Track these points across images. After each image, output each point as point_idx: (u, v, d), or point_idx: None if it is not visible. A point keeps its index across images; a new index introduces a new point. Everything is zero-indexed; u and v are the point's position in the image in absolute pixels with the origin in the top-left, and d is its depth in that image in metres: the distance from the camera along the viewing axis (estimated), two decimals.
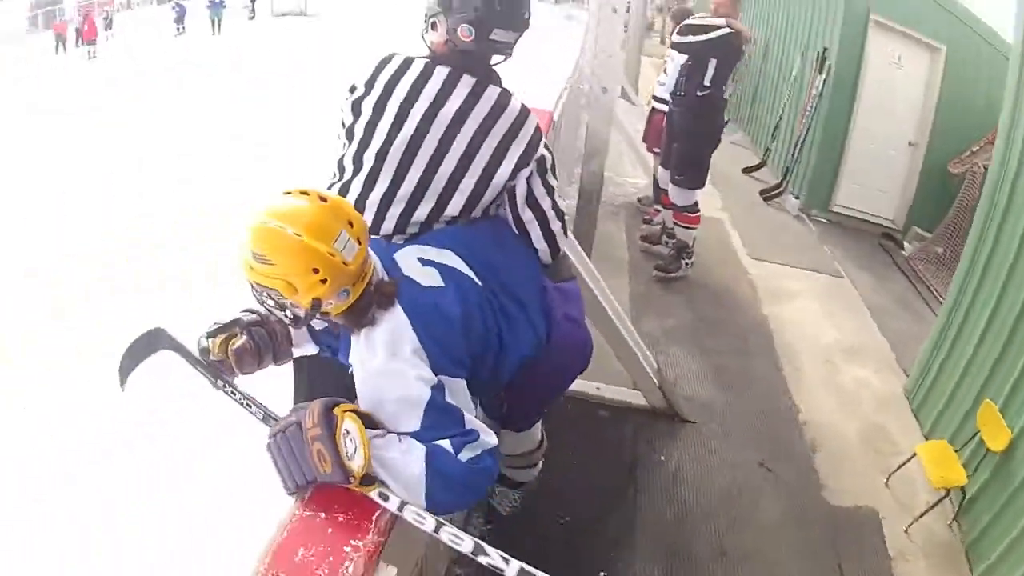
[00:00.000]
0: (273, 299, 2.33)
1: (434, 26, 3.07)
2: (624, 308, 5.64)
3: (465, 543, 2.18)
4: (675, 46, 7.81)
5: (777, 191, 11.41)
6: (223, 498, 6.28)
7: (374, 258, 2.48)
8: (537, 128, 3.14)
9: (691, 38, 7.31)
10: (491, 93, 3.05)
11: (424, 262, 2.63)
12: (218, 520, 5.95)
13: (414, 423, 2.31)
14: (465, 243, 2.81)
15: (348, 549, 2.06)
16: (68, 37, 38.24)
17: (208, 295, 13.56)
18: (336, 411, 2.22)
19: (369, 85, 3.08)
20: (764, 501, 4.83)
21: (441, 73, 3.02)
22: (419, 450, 2.25)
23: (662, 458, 4.94)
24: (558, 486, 4.33)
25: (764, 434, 5.35)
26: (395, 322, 2.41)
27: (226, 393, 2.65)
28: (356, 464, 2.13)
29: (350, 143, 3.09)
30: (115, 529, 6.15)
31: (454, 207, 3.01)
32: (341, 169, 3.06)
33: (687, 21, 7.64)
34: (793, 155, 11.31)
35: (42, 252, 13.36)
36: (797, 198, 11.03)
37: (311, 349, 2.99)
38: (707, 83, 7.26)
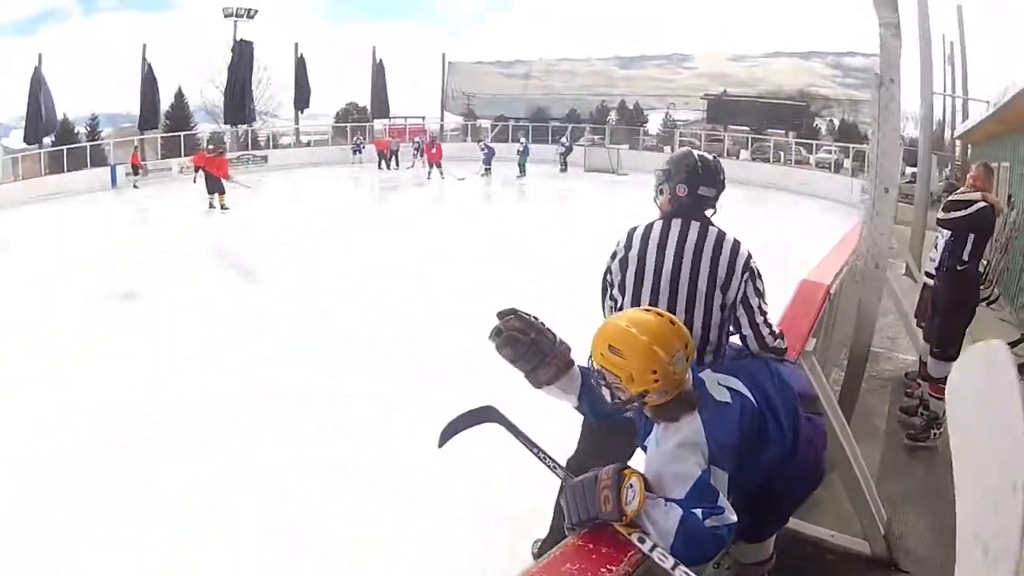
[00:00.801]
0: (608, 381, 2.95)
1: (661, 191, 4.23)
2: (874, 470, 5.96)
3: None
4: (940, 222, 7.87)
5: None
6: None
7: (691, 385, 3.01)
8: (746, 250, 4.13)
9: (953, 214, 7.43)
10: (713, 230, 4.09)
11: (719, 383, 3.17)
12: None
13: (680, 492, 2.76)
14: (748, 374, 3.35)
15: (603, 571, 2.47)
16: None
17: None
18: (625, 472, 2.70)
19: (628, 246, 4.16)
20: None
21: (677, 223, 4.09)
22: (677, 512, 2.67)
23: None
24: None
25: None
26: (693, 427, 2.91)
27: (543, 461, 3.15)
28: (631, 509, 2.61)
29: (623, 295, 4.14)
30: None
31: (716, 317, 4.04)
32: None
33: (950, 197, 7.75)
34: None
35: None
36: None
37: (571, 400, 3.54)
38: (965, 258, 7.38)
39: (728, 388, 3.18)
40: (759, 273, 4.15)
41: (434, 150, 39.14)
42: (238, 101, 53.81)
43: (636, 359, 2.87)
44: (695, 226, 4.08)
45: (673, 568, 2.60)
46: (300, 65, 56.81)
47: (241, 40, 54.37)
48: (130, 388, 9.04)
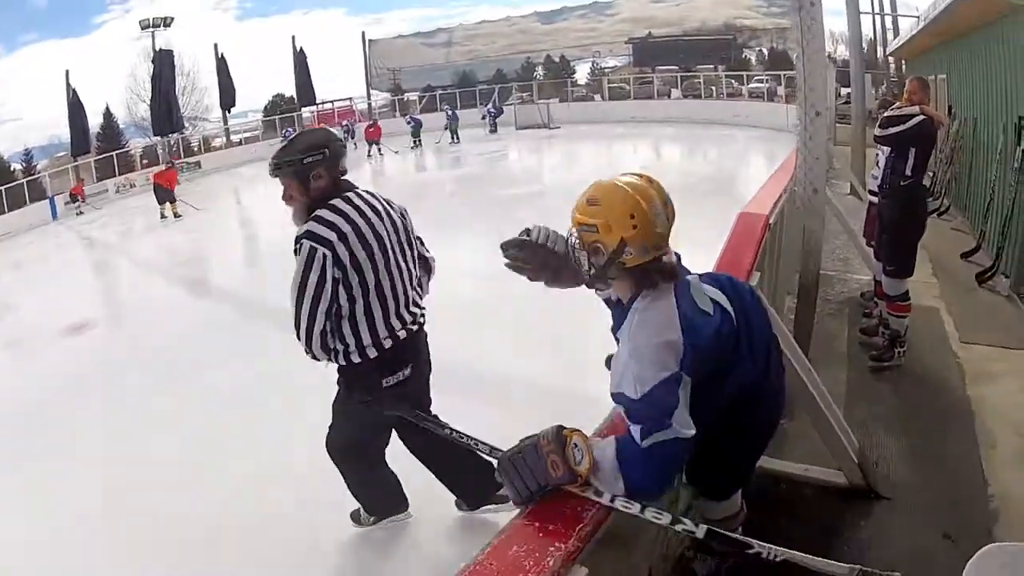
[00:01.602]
0: (585, 241, 2.85)
1: (319, 176, 4.33)
2: (840, 397, 6.08)
3: (664, 517, 2.66)
4: (877, 139, 7.70)
5: (990, 273, 11.01)
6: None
7: (672, 258, 2.96)
8: None
9: (891, 129, 7.26)
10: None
11: (705, 293, 3.03)
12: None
13: (634, 392, 2.70)
14: (734, 289, 3.23)
15: (551, 549, 2.38)
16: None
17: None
18: (565, 433, 2.71)
19: (336, 240, 4.33)
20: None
21: (360, 196, 4.54)
22: (611, 445, 2.70)
23: (862, 523, 4.96)
24: None
25: (951, 509, 5.17)
26: (669, 309, 2.83)
27: (454, 438, 3.61)
28: (583, 467, 2.63)
29: (364, 285, 4.47)
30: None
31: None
32: None
33: (886, 113, 7.58)
34: (1003, 234, 10.52)
35: None
36: (1007, 277, 10.14)
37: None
38: (908, 172, 7.19)
39: (712, 300, 3.06)
40: None
41: (372, 129, 39.88)
42: (164, 111, 53.72)
43: (615, 203, 2.81)
44: (369, 194, 4.51)
45: (642, 512, 2.62)
46: (221, 65, 56.84)
47: (160, 50, 54.39)
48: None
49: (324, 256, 4.22)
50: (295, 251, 4.19)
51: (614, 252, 2.81)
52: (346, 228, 4.29)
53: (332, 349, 4.41)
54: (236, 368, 9.87)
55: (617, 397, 2.82)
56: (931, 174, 12.62)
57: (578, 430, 2.74)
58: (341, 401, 4.78)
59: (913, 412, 6.64)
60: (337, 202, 4.37)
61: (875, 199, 8.42)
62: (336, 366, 4.53)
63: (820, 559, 2.69)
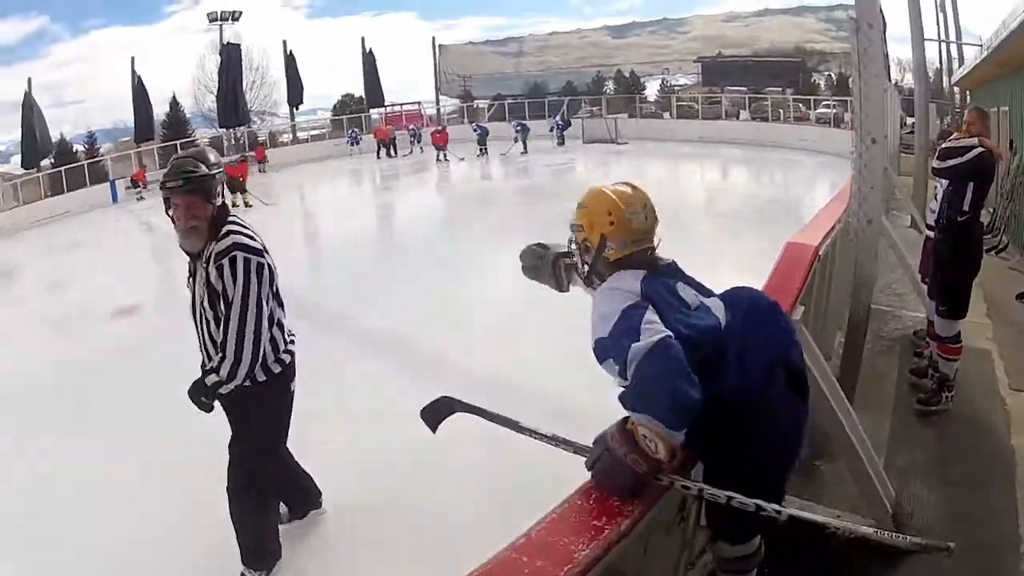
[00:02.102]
0: (576, 241, 3.37)
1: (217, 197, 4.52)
2: (883, 439, 5.91)
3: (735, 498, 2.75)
4: (935, 172, 7.42)
5: None
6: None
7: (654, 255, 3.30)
8: None
9: (949, 162, 6.93)
10: None
11: (693, 293, 3.22)
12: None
13: (605, 331, 2.91)
14: (741, 307, 3.25)
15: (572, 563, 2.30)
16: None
17: None
18: (628, 429, 2.73)
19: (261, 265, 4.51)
20: None
21: None
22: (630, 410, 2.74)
23: None
24: None
25: (984, 566, 4.92)
26: (630, 277, 3.09)
27: (533, 435, 3.31)
28: (663, 455, 2.64)
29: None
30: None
31: None
32: None
33: (944, 144, 7.29)
34: None
35: None
36: None
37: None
38: (965, 208, 6.82)
39: (700, 301, 3.23)
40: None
41: (439, 135, 39.51)
42: (231, 104, 54.17)
43: (595, 204, 3.28)
44: None
45: (728, 501, 2.75)
46: (290, 62, 56.98)
47: (228, 43, 54.88)
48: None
49: (261, 266, 4.37)
50: (220, 267, 4.23)
51: (598, 247, 3.24)
52: (260, 240, 4.48)
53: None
54: None
55: (598, 355, 3.00)
56: (990, 210, 12.27)
57: (633, 418, 2.74)
58: (254, 426, 4.67)
59: (955, 460, 6.38)
60: (234, 218, 4.49)
61: (931, 234, 7.95)
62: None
63: None
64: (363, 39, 59.02)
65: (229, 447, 4.70)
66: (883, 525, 4.77)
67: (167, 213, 4.38)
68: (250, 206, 28.00)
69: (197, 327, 4.55)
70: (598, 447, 2.82)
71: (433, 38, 62.23)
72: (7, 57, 52.78)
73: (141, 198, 39.36)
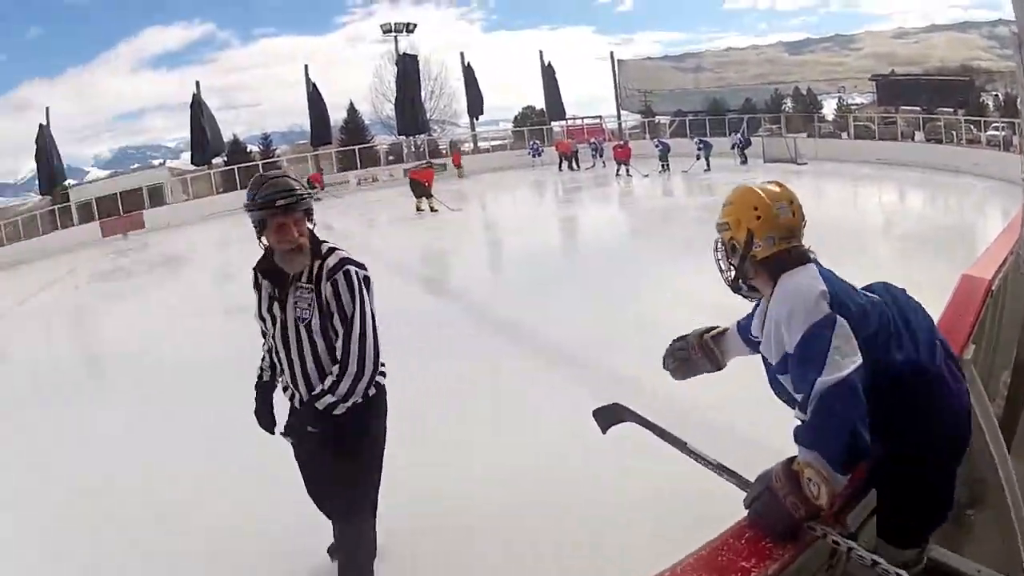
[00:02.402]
0: (723, 241, 3.36)
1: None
2: None
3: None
4: None
5: None
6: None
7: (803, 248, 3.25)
8: None
9: None
10: None
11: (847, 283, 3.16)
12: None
13: (790, 346, 2.96)
14: (890, 293, 3.32)
15: None
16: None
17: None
18: (795, 469, 2.75)
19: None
20: None
21: None
22: (801, 446, 2.81)
23: None
24: None
25: None
26: (810, 271, 3.12)
27: (698, 459, 3.35)
28: (823, 500, 2.66)
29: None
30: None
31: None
32: None
33: None
34: None
35: None
36: None
37: (749, 351, 3.81)
38: None
39: (861, 289, 3.21)
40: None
41: (621, 149, 39.62)
42: (409, 113, 55.47)
43: (740, 201, 3.28)
44: None
45: (872, 566, 2.61)
46: (468, 73, 58.25)
47: (404, 54, 56.28)
48: None
49: (368, 280, 4.45)
50: (335, 283, 4.27)
51: (745, 245, 3.22)
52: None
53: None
54: (441, 367, 9.95)
55: (776, 367, 3.16)
56: None
57: (800, 460, 2.76)
58: (351, 444, 4.55)
59: None
60: (321, 236, 4.57)
61: None
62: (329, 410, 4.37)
63: None
64: (541, 52, 59.77)
65: (335, 475, 4.57)
66: None
67: (260, 236, 4.41)
68: (435, 211, 29.94)
69: (290, 356, 4.45)
70: (759, 484, 2.85)
71: (612, 53, 62.99)
72: (173, 61, 56.12)
73: (318, 199, 39.60)
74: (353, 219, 33.96)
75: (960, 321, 4.30)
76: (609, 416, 4.11)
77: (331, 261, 4.33)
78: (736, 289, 3.43)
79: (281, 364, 4.54)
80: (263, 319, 4.56)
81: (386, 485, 5.06)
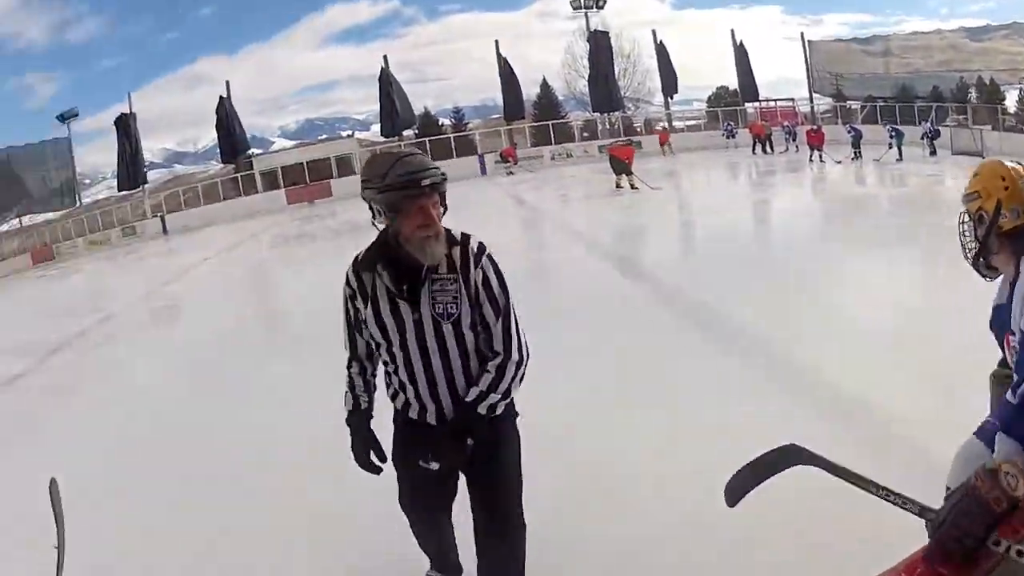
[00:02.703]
0: (970, 211, 3.25)
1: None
2: None
3: None
4: None
5: None
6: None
7: None
8: None
9: None
10: None
11: None
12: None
13: None
14: None
15: None
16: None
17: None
18: (994, 469, 2.33)
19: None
20: None
21: None
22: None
23: None
24: None
25: None
26: None
27: (882, 496, 2.70)
28: (1020, 491, 2.26)
29: None
30: None
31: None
32: None
33: None
34: None
35: None
36: None
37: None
38: None
39: None
40: None
41: (815, 134, 39.11)
42: (603, 90, 56.77)
43: (990, 171, 3.21)
44: None
45: None
46: (661, 51, 59.16)
47: (596, 30, 57.59)
48: None
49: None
50: (484, 268, 3.72)
51: (992, 216, 3.10)
52: None
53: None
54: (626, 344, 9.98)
55: (1014, 341, 2.95)
56: None
57: (1010, 455, 2.42)
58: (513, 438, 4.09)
59: None
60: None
61: None
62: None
63: None
64: (732, 31, 60.43)
65: (505, 484, 4.00)
66: None
67: (385, 223, 3.65)
68: (636, 188, 30.65)
69: (429, 361, 3.77)
70: (957, 494, 2.41)
71: (802, 34, 62.69)
72: (360, 36, 60.62)
73: (511, 172, 44.42)
74: (546, 194, 35.68)
75: None
76: (777, 463, 2.91)
77: (474, 246, 3.76)
78: (976, 266, 3.33)
79: (413, 376, 3.80)
80: (382, 326, 3.73)
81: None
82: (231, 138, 54.18)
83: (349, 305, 3.92)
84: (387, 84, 54.40)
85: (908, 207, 23.58)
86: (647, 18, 62.21)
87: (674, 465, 6.08)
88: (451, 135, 54.58)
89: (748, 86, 61.04)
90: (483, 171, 48.03)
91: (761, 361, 8.81)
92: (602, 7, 59.00)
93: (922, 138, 39.79)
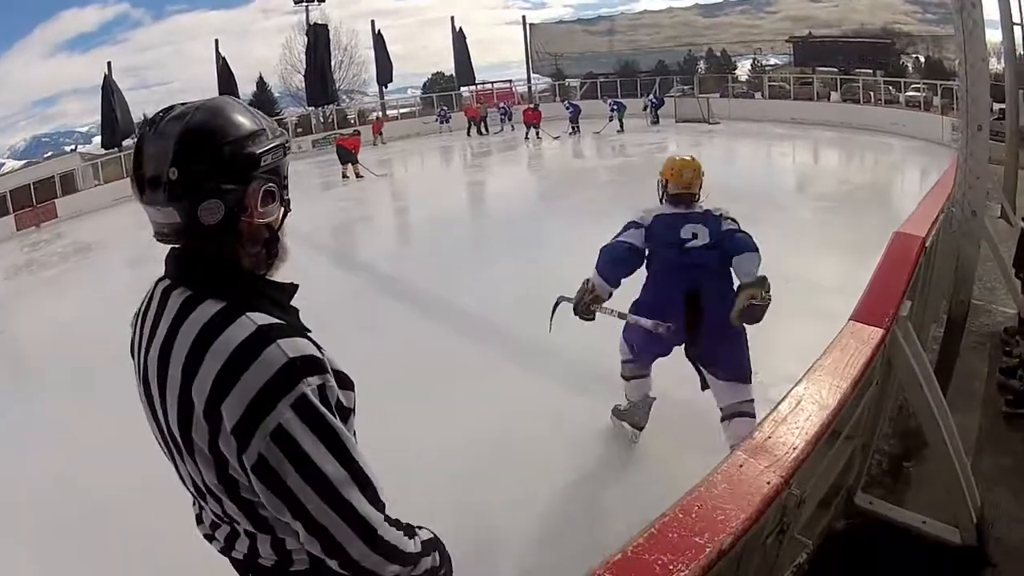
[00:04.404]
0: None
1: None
2: (968, 443, 5.47)
3: None
4: None
5: None
6: None
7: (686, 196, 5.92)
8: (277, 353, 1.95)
9: None
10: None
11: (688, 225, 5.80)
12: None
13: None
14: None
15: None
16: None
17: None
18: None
19: None
20: None
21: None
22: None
23: None
24: None
25: None
26: (660, 207, 5.90)
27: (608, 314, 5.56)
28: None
29: None
30: None
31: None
32: None
33: None
34: None
35: None
36: None
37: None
38: None
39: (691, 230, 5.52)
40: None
41: (531, 112, 39.52)
42: (319, 83, 55.16)
43: (668, 162, 5.80)
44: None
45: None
46: (378, 41, 57.67)
47: (315, 24, 55.89)
48: None
49: None
50: None
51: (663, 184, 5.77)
52: None
53: None
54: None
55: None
56: None
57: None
58: None
59: None
60: None
61: None
62: None
63: None
64: (452, 18, 59.26)
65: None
66: (966, 533, 4.66)
67: (284, 206, 2.23)
68: (361, 177, 29.49)
69: None
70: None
71: (524, 17, 62.36)
72: (86, 43, 54.81)
73: None
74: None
75: (895, 278, 4.30)
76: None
77: None
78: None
79: None
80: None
81: None
82: None
83: (328, 401, 2.06)
84: (109, 92, 50.52)
85: (626, 174, 24.18)
86: (368, 8, 61.29)
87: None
88: None
89: (465, 71, 59.81)
90: None
91: (491, 339, 9.57)
92: (323, 0, 57.24)
93: (644, 109, 42.03)
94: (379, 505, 2.04)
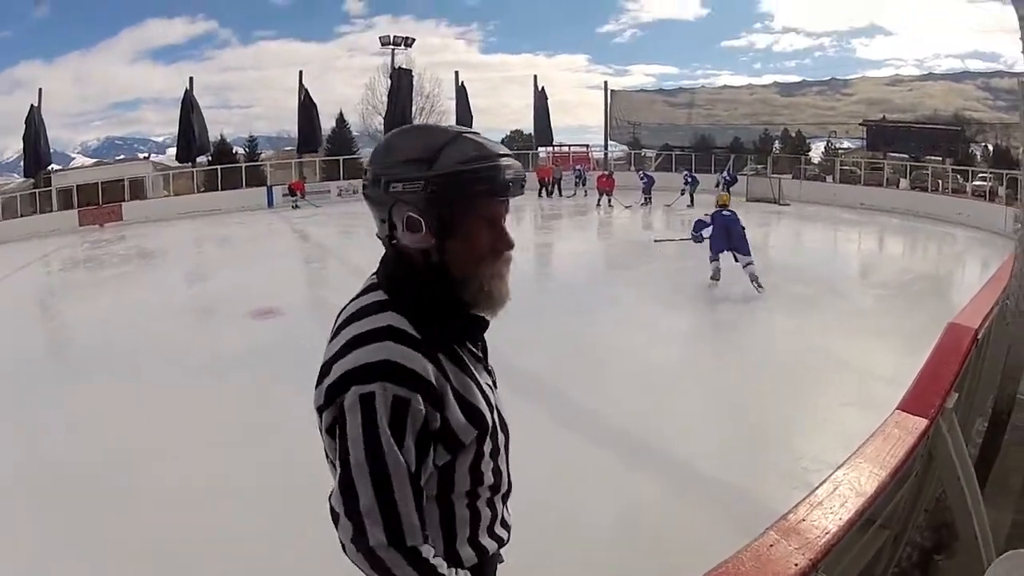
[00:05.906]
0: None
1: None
2: (1000, 541, 4.66)
3: None
4: None
5: None
6: None
7: None
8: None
9: None
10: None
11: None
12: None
13: None
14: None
15: None
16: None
17: None
18: None
19: None
20: None
21: None
22: None
23: None
24: None
25: None
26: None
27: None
28: None
29: None
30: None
31: None
32: None
33: None
34: None
35: None
36: None
37: None
38: None
39: None
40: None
41: (606, 179, 40.00)
42: (397, 127, 54.67)
43: None
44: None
45: None
46: (461, 92, 58.11)
47: (399, 68, 56.24)
48: None
49: None
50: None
51: None
52: None
53: None
54: None
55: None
56: None
57: None
58: None
59: None
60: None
61: None
62: None
63: None
64: (535, 77, 59.67)
65: None
66: None
67: (438, 233, 2.03)
68: None
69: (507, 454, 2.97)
70: None
71: (605, 82, 62.96)
72: (171, 55, 56.01)
73: (296, 206, 41.88)
74: (331, 229, 33.94)
75: (944, 369, 4.08)
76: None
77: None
78: None
79: (500, 487, 2.29)
80: (477, 416, 2.11)
81: None
82: (36, 150, 49.44)
83: (411, 426, 1.94)
84: (188, 107, 51.16)
85: (696, 248, 21.86)
86: (453, 59, 61.75)
87: None
88: (243, 164, 51.53)
89: (543, 130, 60.40)
90: (271, 203, 45.13)
91: (553, 405, 9.52)
92: (410, 45, 57.69)
93: (716, 185, 39.26)
94: (396, 534, 1.88)
